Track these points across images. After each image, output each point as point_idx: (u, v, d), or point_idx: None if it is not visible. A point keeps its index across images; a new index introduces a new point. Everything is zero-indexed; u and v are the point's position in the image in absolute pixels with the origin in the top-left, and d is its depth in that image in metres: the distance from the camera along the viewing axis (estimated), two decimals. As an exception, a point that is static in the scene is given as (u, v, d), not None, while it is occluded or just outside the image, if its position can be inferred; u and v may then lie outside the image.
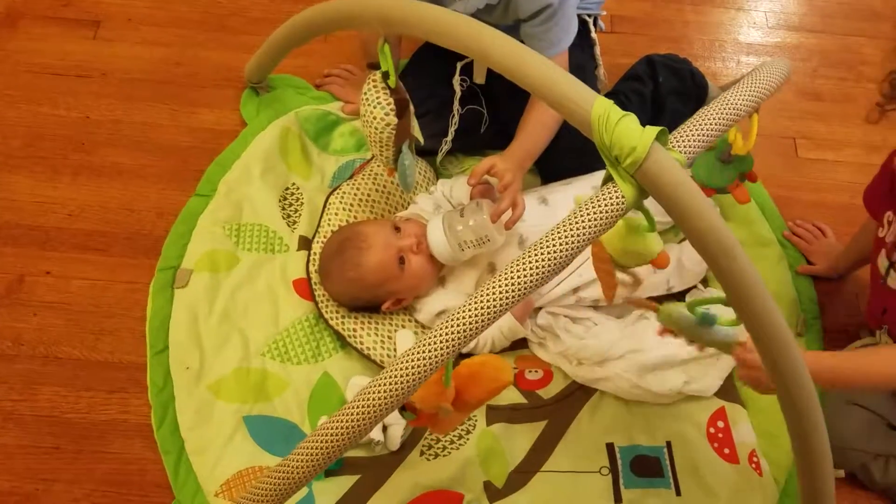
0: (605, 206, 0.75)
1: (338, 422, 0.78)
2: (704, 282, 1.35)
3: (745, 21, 1.71)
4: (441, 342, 0.76)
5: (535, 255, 0.75)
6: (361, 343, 1.24)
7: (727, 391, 1.26)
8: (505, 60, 0.82)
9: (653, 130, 0.72)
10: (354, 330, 1.25)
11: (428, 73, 1.43)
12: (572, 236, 0.75)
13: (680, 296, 1.34)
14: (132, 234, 1.36)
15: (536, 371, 1.28)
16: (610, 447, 1.21)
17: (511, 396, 1.25)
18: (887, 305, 1.13)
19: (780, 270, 1.38)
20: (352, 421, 0.79)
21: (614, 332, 1.27)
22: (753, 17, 1.73)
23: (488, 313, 0.76)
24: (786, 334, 0.81)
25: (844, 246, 1.39)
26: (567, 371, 1.27)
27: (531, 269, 0.75)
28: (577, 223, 0.75)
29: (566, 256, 0.75)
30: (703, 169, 1.14)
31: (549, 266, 0.75)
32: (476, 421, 1.22)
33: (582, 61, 1.42)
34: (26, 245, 1.34)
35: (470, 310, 0.76)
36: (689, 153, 0.80)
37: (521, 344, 1.30)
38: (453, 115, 1.40)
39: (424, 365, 0.77)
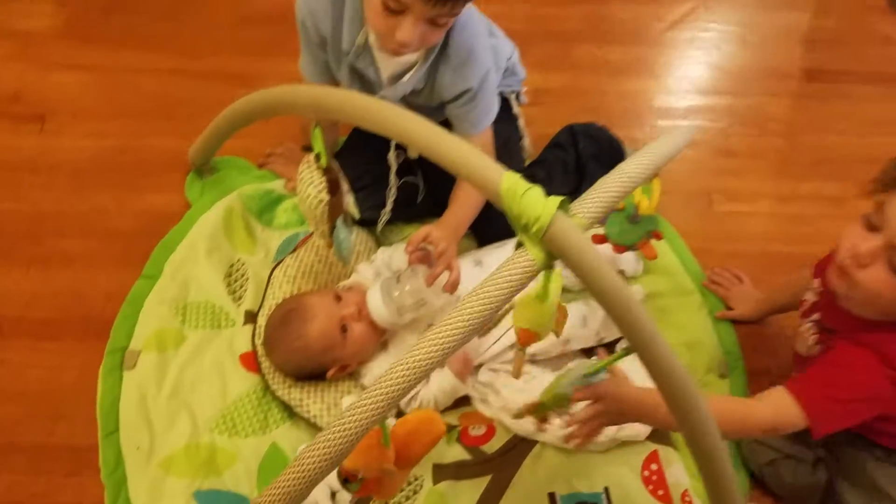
0: (518, 268, 0.82)
1: (274, 489, 0.83)
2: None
3: (658, 88, 1.84)
4: (371, 403, 0.82)
5: (457, 316, 0.82)
6: (308, 411, 1.29)
7: (659, 435, 1.32)
8: (424, 143, 0.90)
9: (555, 200, 0.79)
10: (301, 399, 1.29)
11: (366, 148, 1.51)
12: (489, 297, 0.81)
13: (611, 346, 1.42)
14: (83, 320, 1.40)
15: (480, 427, 1.34)
16: (552, 496, 1.26)
17: (456, 454, 1.30)
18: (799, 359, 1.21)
19: (701, 317, 1.47)
20: (288, 487, 0.84)
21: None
22: (666, 83, 1.86)
23: (414, 373, 0.82)
24: (683, 376, 0.86)
25: (761, 291, 1.49)
26: (508, 425, 1.32)
27: (453, 329, 0.81)
28: (492, 285, 0.82)
29: (485, 316, 0.82)
30: (615, 228, 1.24)
31: (470, 325, 0.82)
32: (423, 481, 1.27)
33: (507, 134, 1.52)
34: (-19, 337, 1.38)
35: (397, 371, 0.82)
36: (590, 218, 0.88)
37: (464, 401, 1.35)
38: (390, 187, 1.48)
39: (357, 426, 0.82)
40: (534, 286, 0.91)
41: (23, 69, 1.73)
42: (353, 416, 0.82)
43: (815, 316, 1.14)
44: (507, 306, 0.96)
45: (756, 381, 1.40)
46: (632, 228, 1.24)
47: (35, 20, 1.83)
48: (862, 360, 1.05)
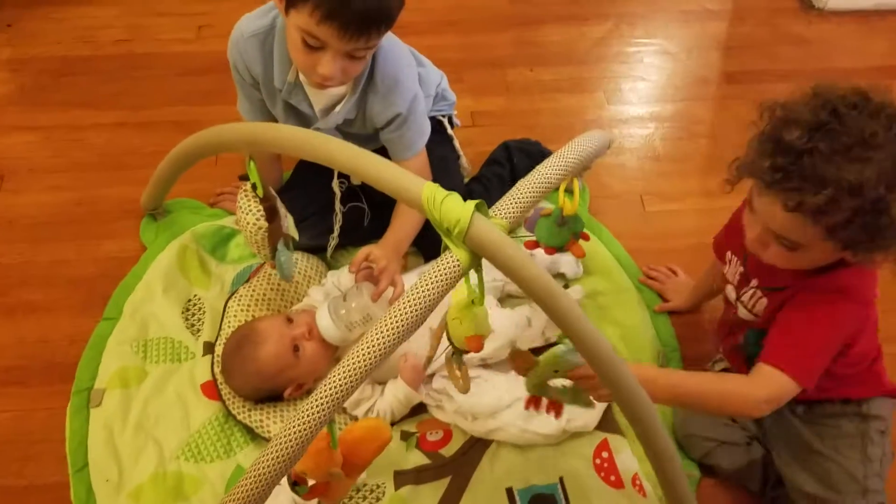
0: (444, 269, 0.88)
1: (233, 495, 0.89)
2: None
3: (588, 103, 1.95)
4: (317, 405, 0.89)
5: (391, 318, 0.88)
6: (269, 432, 1.34)
7: (607, 423, 1.39)
8: (348, 163, 0.97)
9: (472, 203, 0.86)
10: (261, 420, 1.35)
11: (311, 180, 1.59)
12: (421, 297, 0.88)
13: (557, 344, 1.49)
14: (48, 364, 1.45)
15: (437, 432, 1.39)
16: (509, 491, 1.31)
17: (415, 459, 1.35)
18: (735, 329, 1.27)
19: (640, 312, 1.54)
20: (246, 491, 0.90)
21: (501, 385, 1.39)
22: (596, 98, 1.96)
23: (355, 376, 0.88)
24: (608, 351, 0.93)
25: (695, 282, 1.57)
26: (464, 427, 1.38)
27: (388, 331, 0.88)
28: (424, 286, 0.88)
29: (417, 317, 0.88)
30: (544, 232, 1.32)
31: (404, 327, 0.88)
32: (385, 487, 1.32)
33: (443, 154, 1.60)
34: (-52, 388, 1.42)
35: (339, 374, 0.88)
36: (510, 218, 0.94)
37: (420, 409, 1.41)
38: (336, 213, 1.55)
39: (305, 428, 0.88)
40: (453, 296, 0.98)
41: (-23, 135, 1.81)
42: (301, 419, 0.89)
43: (754, 283, 1.19)
44: (435, 330, 1.04)
45: (693, 368, 1.47)
46: (559, 231, 1.32)
47: (-12, 87, 1.91)
48: (823, 306, 1.09)
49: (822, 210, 0.96)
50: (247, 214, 1.27)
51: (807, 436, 1.22)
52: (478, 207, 0.86)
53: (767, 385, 1.09)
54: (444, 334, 1.03)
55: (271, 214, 1.27)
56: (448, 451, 1.37)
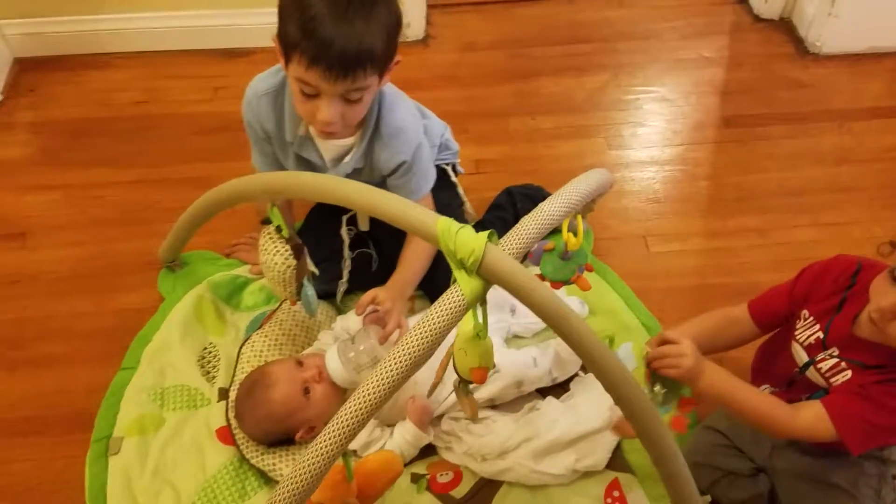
0: (450, 304, 0.92)
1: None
2: (584, 368, 1.52)
3: (589, 148, 2.00)
4: (329, 438, 0.92)
5: (399, 352, 0.92)
6: (281, 475, 1.36)
7: (617, 463, 1.40)
8: (365, 202, 1.03)
9: (484, 234, 0.91)
10: (274, 464, 1.37)
11: (320, 228, 1.65)
12: (427, 332, 0.92)
13: (565, 384, 1.51)
14: (68, 414, 1.48)
15: (447, 473, 1.41)
16: (521, 532, 1.34)
17: (426, 501, 1.36)
18: (795, 385, 1.27)
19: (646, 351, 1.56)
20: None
21: (510, 426, 1.41)
22: (595, 143, 2.01)
23: (366, 408, 0.92)
24: (622, 371, 0.96)
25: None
26: (474, 468, 1.40)
27: (396, 365, 0.92)
28: (429, 320, 0.92)
29: (424, 350, 0.92)
30: (549, 266, 1.35)
31: (411, 360, 0.92)
32: (398, 530, 1.34)
33: (448, 200, 1.65)
34: (-30, 440, 1.46)
35: (351, 407, 0.92)
36: (515, 252, 0.97)
37: (430, 451, 1.43)
38: (345, 259, 1.60)
39: (319, 461, 0.92)
40: (459, 329, 1.01)
41: (0, 195, 1.87)
42: (313, 454, 0.92)
43: (833, 351, 1.19)
44: (441, 360, 1.08)
45: (704, 404, 1.47)
46: (564, 265, 1.35)
47: (10, 150, 1.99)
48: None
49: None
50: (273, 255, 1.33)
51: (824, 469, 1.23)
52: (489, 238, 0.91)
53: (812, 427, 1.14)
54: (451, 364, 1.06)
55: (298, 252, 1.34)
56: (458, 492, 1.39)
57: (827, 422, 1.13)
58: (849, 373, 1.17)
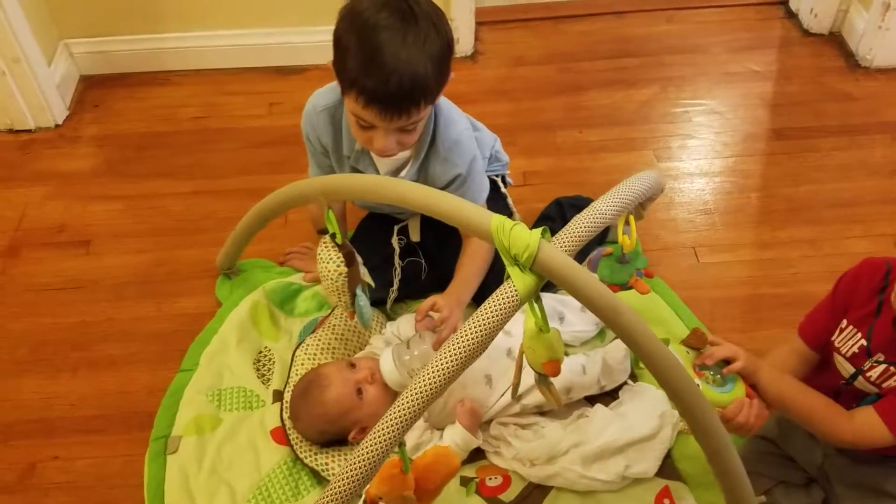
0: (503, 300, 0.93)
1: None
2: (633, 377, 1.52)
3: (636, 160, 2.01)
4: (383, 431, 0.94)
5: (451, 348, 0.93)
6: (333, 475, 1.38)
7: (667, 470, 1.39)
8: (420, 201, 1.05)
9: (538, 230, 0.92)
10: (327, 464, 1.40)
11: (372, 237, 1.69)
12: (480, 328, 0.93)
13: (613, 392, 1.51)
14: (127, 413, 1.54)
15: (496, 477, 1.42)
16: (570, 537, 1.34)
17: (476, 504, 1.38)
18: (843, 395, 1.25)
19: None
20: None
21: (558, 431, 1.42)
22: (643, 155, 2.02)
23: (418, 403, 0.94)
24: (676, 365, 0.96)
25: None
26: (523, 473, 1.40)
27: (450, 360, 0.93)
28: (483, 315, 0.93)
29: (478, 345, 0.93)
30: (607, 270, 1.37)
31: (463, 355, 0.93)
32: (447, 533, 1.35)
33: (497, 210, 1.63)
34: (35, 436, 1.51)
35: (408, 396, 0.93)
36: (568, 248, 0.99)
37: (479, 455, 1.44)
38: (395, 267, 1.63)
39: (377, 447, 0.94)
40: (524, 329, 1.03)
41: (67, 204, 1.96)
42: (368, 447, 0.94)
43: (879, 357, 1.17)
44: (516, 360, 1.09)
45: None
46: (622, 268, 1.37)
47: (76, 161, 2.08)
48: None
49: None
50: (328, 263, 1.36)
51: (877, 478, 1.21)
52: (543, 234, 0.93)
53: (864, 433, 1.15)
54: (525, 363, 1.08)
55: (350, 259, 1.37)
56: (508, 496, 1.39)
57: (882, 426, 1.13)
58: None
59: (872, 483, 1.22)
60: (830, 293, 1.27)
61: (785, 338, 1.31)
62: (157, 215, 1.92)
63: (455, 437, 1.39)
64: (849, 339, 1.22)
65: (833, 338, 1.24)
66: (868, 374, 1.18)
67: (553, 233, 1.68)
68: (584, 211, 1.03)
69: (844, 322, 1.23)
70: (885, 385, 1.17)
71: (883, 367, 1.17)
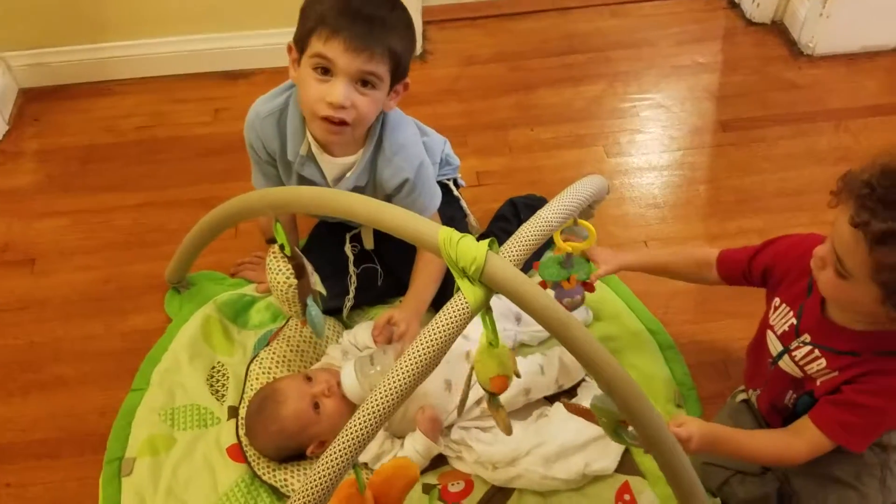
0: (454, 311, 0.93)
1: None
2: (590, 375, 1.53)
3: (588, 157, 2.01)
4: (340, 449, 0.93)
5: (405, 363, 0.93)
6: (293, 491, 1.36)
7: (627, 466, 1.41)
8: (368, 214, 1.05)
9: (485, 242, 0.92)
10: (285, 479, 1.38)
11: (325, 245, 1.67)
12: (432, 341, 0.93)
13: (571, 391, 1.52)
14: (80, 436, 1.50)
15: (458, 483, 1.42)
16: (534, 538, 1.34)
17: (439, 511, 1.38)
18: (771, 378, 1.29)
19: (651, 352, 1.58)
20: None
21: (519, 433, 1.42)
22: (594, 152, 2.03)
23: (375, 419, 0.93)
24: (624, 376, 0.97)
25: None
26: (485, 477, 1.40)
27: (404, 375, 0.93)
28: (434, 330, 0.93)
29: (430, 359, 0.93)
30: (548, 269, 1.38)
31: (417, 370, 0.93)
32: (411, 541, 1.34)
33: (451, 213, 1.67)
34: (-16, 464, 1.47)
35: (360, 418, 0.93)
36: (515, 259, 0.99)
37: (440, 461, 1.44)
38: (350, 275, 1.62)
39: (330, 472, 0.93)
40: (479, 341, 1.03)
41: (9, 222, 1.90)
42: (326, 464, 0.93)
43: (805, 338, 1.20)
44: (469, 368, 1.09)
45: (710, 406, 1.50)
46: (559, 271, 1.37)
47: (18, 178, 2.02)
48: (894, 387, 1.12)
49: (880, 239, 0.99)
50: (277, 274, 1.35)
51: (826, 464, 1.23)
52: (490, 246, 0.92)
53: (815, 448, 1.17)
54: (474, 379, 1.07)
55: (299, 271, 1.35)
56: (471, 501, 1.39)
57: (823, 438, 1.16)
58: (823, 361, 1.18)
59: (823, 469, 1.24)
60: (763, 243, 1.31)
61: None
62: (105, 230, 1.88)
63: (416, 445, 1.39)
64: (781, 317, 1.25)
65: (768, 315, 1.28)
66: (794, 354, 1.21)
67: (507, 233, 1.72)
68: (531, 220, 1.03)
69: (778, 300, 1.26)
70: (807, 368, 1.20)
71: (808, 348, 1.19)
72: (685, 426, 1.15)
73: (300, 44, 1.34)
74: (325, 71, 1.31)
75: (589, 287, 1.40)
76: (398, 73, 1.37)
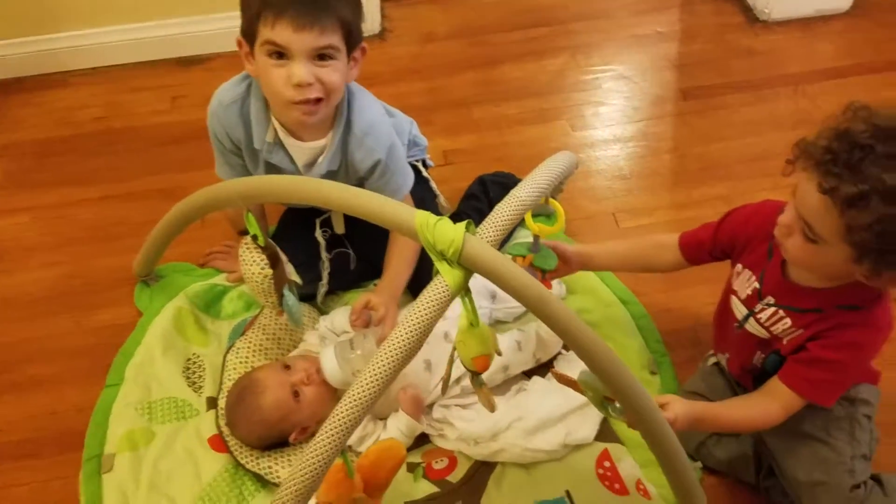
0: (434, 295, 0.93)
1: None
2: (566, 346, 1.55)
3: (554, 131, 2.03)
4: (324, 440, 0.93)
5: (388, 348, 0.93)
6: (278, 477, 1.37)
7: (606, 434, 1.43)
8: (342, 201, 1.03)
9: (462, 224, 0.92)
10: (270, 467, 1.38)
11: (295, 231, 1.66)
12: (414, 325, 0.93)
13: (549, 364, 1.54)
14: (59, 434, 1.48)
15: (442, 460, 1.43)
16: (519, 509, 1.36)
17: (425, 488, 1.38)
18: (739, 342, 1.32)
19: (625, 323, 1.60)
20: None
21: (500, 408, 1.43)
22: (560, 126, 2.04)
23: (361, 405, 0.93)
24: (603, 347, 0.98)
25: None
26: (468, 453, 1.42)
27: (387, 360, 0.93)
28: (415, 313, 0.93)
29: (413, 343, 0.93)
30: (516, 247, 1.38)
31: (401, 354, 0.93)
32: (398, 519, 1.36)
33: (421, 195, 1.66)
34: (-38, 470, 1.45)
35: (343, 408, 0.93)
36: (492, 240, 0.99)
37: (423, 440, 1.45)
38: (323, 261, 1.61)
39: (319, 459, 0.92)
40: (458, 321, 1.03)
41: (-32, 222, 1.86)
42: (314, 453, 0.93)
43: (769, 300, 1.22)
44: (451, 348, 1.09)
45: (683, 371, 1.53)
46: (526, 251, 1.37)
47: (-26, 176, 1.97)
48: (862, 344, 1.17)
49: (850, 202, 1.00)
50: (251, 266, 1.33)
51: (795, 420, 1.26)
52: (467, 228, 0.93)
53: (788, 407, 1.20)
54: (457, 359, 1.08)
55: (274, 261, 1.34)
56: (455, 476, 1.41)
57: (794, 397, 1.19)
58: (788, 320, 1.21)
59: (793, 426, 1.27)
60: (721, 217, 1.33)
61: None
62: (67, 225, 1.84)
63: (399, 425, 1.40)
64: (745, 282, 1.27)
65: (732, 282, 1.30)
66: (759, 317, 1.24)
67: (478, 212, 1.74)
68: (505, 199, 1.03)
69: (740, 266, 1.28)
70: (773, 328, 1.23)
71: (772, 309, 1.22)
72: (669, 407, 1.17)
73: (248, 35, 1.32)
74: (281, 55, 1.29)
75: (546, 283, 1.40)
76: (352, 40, 1.35)
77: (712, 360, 1.46)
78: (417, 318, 0.93)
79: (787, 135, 1.93)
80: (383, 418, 1.43)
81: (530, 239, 1.36)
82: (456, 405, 1.46)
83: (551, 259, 1.35)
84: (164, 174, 1.93)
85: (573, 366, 1.50)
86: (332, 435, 0.94)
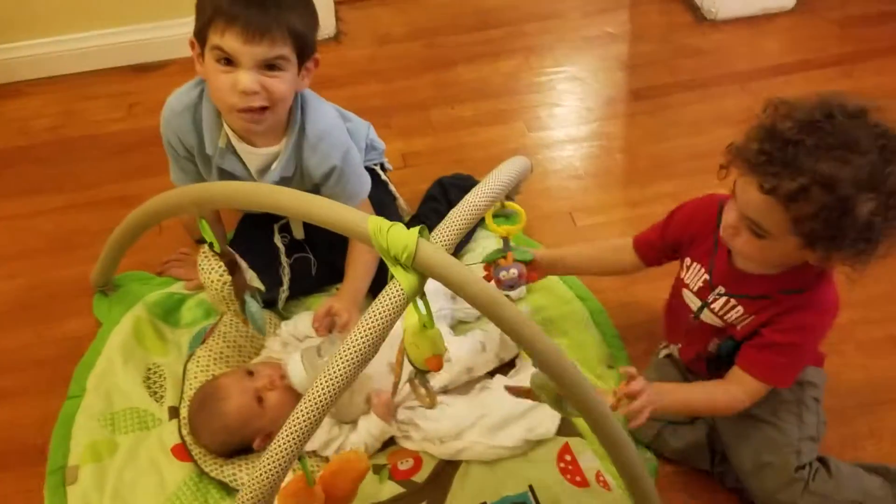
0: (391, 299, 0.94)
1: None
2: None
3: (510, 133, 2.06)
4: (285, 441, 0.94)
5: (345, 352, 0.94)
6: (243, 484, 1.38)
7: (567, 428, 1.46)
8: (296, 207, 1.04)
9: (416, 229, 0.93)
10: (234, 474, 1.39)
11: (254, 236, 1.66)
12: (371, 329, 0.93)
13: (511, 362, 1.57)
14: (22, 447, 1.47)
15: (407, 461, 1.45)
16: (484, 506, 1.39)
17: (390, 490, 1.40)
18: (694, 331, 1.35)
19: (582, 320, 1.64)
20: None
21: (462, 407, 1.47)
22: (517, 127, 2.08)
23: (318, 409, 0.94)
24: (554, 350, 1.01)
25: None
26: (433, 452, 1.43)
27: (344, 364, 0.94)
28: (371, 318, 0.94)
29: (370, 347, 0.94)
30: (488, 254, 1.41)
31: (357, 359, 0.94)
32: (364, 521, 1.38)
33: (380, 199, 1.68)
34: (-77, 485, 1.43)
35: (301, 412, 0.94)
36: (447, 244, 1.01)
37: (389, 442, 1.47)
38: (283, 266, 1.62)
39: (275, 467, 0.93)
40: (404, 324, 1.05)
41: (-75, 236, 1.83)
42: (271, 457, 0.94)
43: (720, 290, 1.26)
44: (396, 357, 1.11)
45: (639, 363, 1.56)
46: (493, 253, 1.41)
47: (-71, 190, 1.94)
48: (812, 326, 1.22)
49: (793, 197, 1.04)
50: (210, 273, 1.34)
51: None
52: (420, 233, 0.94)
53: (752, 394, 1.25)
54: (406, 360, 1.10)
55: (232, 268, 1.35)
56: (420, 476, 1.42)
57: (756, 382, 1.24)
58: (740, 308, 1.25)
59: (745, 411, 1.30)
60: (668, 216, 1.37)
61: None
62: (26, 236, 1.83)
63: (371, 429, 1.41)
64: (695, 275, 1.32)
65: (682, 275, 1.34)
66: (713, 307, 1.29)
67: (437, 214, 1.76)
68: (459, 205, 1.05)
69: (689, 259, 1.32)
70: (727, 317, 1.28)
71: (724, 298, 1.27)
72: (635, 381, 1.20)
73: (200, 37, 1.32)
74: (229, 62, 1.30)
75: (532, 276, 1.43)
76: (305, 52, 1.35)
77: (664, 351, 1.51)
78: (373, 322, 0.94)
79: (734, 132, 1.98)
80: (347, 423, 1.45)
81: (494, 244, 1.39)
82: (421, 406, 1.48)
83: (527, 253, 1.39)
84: (123, 182, 1.93)
85: (533, 371, 1.53)
86: (290, 438, 0.94)
